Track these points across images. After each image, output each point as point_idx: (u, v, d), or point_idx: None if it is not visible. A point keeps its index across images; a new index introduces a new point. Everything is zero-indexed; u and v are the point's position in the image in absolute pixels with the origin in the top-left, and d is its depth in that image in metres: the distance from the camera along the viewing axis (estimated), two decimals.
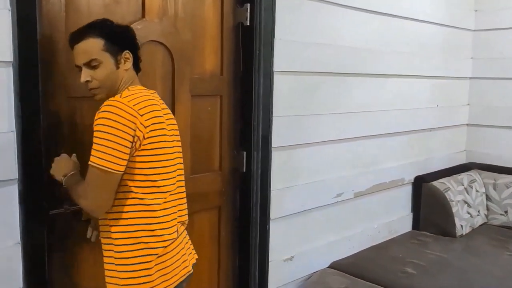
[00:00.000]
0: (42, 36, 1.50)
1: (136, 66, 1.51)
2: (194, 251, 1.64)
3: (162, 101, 1.53)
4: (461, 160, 3.67)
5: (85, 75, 1.39)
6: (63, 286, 1.67)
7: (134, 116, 1.32)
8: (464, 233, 3.06)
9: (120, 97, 1.36)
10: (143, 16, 1.81)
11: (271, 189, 2.23)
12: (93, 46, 1.38)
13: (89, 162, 1.32)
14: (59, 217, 1.63)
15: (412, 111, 3.10)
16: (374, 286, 2.31)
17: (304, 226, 2.45)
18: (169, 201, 1.46)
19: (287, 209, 2.33)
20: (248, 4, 2.10)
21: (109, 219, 1.41)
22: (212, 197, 2.14)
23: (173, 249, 1.47)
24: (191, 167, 2.03)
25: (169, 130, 1.48)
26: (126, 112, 1.31)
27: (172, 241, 1.46)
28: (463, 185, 3.23)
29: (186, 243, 1.58)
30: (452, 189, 3.13)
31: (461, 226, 3.06)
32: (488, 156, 3.59)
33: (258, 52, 2.11)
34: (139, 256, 1.39)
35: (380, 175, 2.88)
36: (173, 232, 1.47)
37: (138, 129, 1.33)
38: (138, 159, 1.36)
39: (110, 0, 1.71)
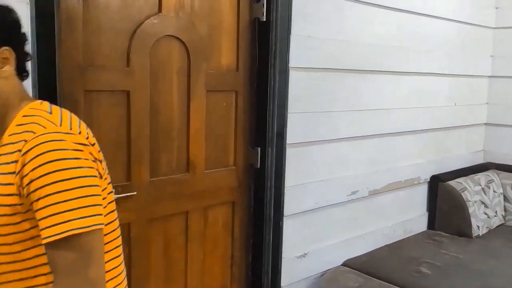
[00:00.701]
0: (60, 30, 1.51)
1: (21, 71, 0.99)
2: None
3: None
4: (479, 160, 3.61)
5: None
6: None
7: (90, 149, 0.93)
8: (480, 234, 3.01)
9: (55, 124, 0.91)
10: (160, 10, 1.81)
11: (285, 185, 2.22)
12: None
13: (59, 235, 0.82)
14: None
15: (430, 109, 3.06)
16: (388, 285, 2.29)
17: (318, 223, 2.43)
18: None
19: (301, 206, 2.32)
20: (265, 0, 2.09)
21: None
22: (226, 193, 2.14)
23: None
24: (205, 163, 2.03)
25: None
26: (80, 144, 0.90)
27: None
28: (480, 185, 3.18)
29: None
30: (469, 189, 3.08)
31: (478, 226, 3.01)
32: (506, 156, 3.52)
33: (274, 48, 2.10)
34: None
35: (395, 173, 2.85)
36: None
37: (98, 165, 0.95)
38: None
39: None
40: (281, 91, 2.16)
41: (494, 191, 3.25)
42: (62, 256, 0.84)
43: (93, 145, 0.94)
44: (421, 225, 3.15)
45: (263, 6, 2.09)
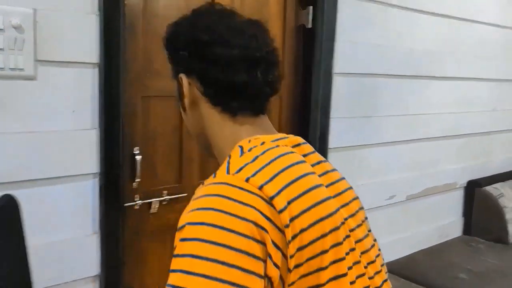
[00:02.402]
0: (124, 40, 1.58)
1: (233, 103, 0.79)
2: None
3: (315, 158, 0.81)
4: None
5: None
6: (136, 272, 1.77)
7: (265, 214, 0.65)
8: None
9: (228, 173, 0.71)
10: None
11: None
12: None
13: None
14: (131, 209, 1.73)
15: (469, 114, 3.04)
16: None
17: None
18: None
19: None
20: (311, 7, 2.12)
21: None
22: None
23: None
24: None
25: (343, 217, 0.76)
26: (246, 206, 0.64)
27: None
28: None
29: None
30: (506, 195, 3.06)
31: None
32: None
33: (319, 53, 2.14)
34: None
35: (433, 178, 2.86)
36: None
37: (269, 241, 0.64)
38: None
39: (183, 4, 1.78)
40: (325, 97, 2.19)
41: None
42: None
43: (279, 210, 0.66)
44: (457, 230, 3.14)
45: (309, 13, 2.13)
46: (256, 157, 0.70)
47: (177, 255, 0.63)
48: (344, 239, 0.72)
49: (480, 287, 2.36)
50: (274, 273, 0.63)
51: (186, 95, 0.81)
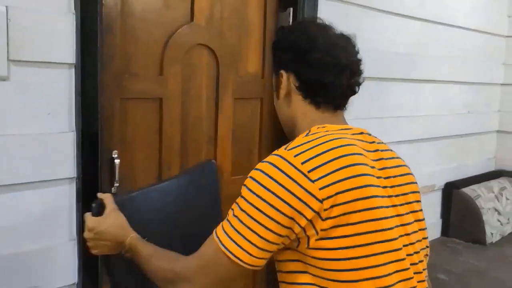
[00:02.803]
0: (101, 40, 1.54)
1: (323, 98, 0.98)
2: None
3: (375, 145, 1.00)
4: (491, 167, 3.65)
5: None
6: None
7: (300, 184, 0.82)
8: (494, 241, 3.04)
9: (286, 149, 0.88)
10: (192, 19, 1.84)
11: None
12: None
13: (214, 236, 0.89)
14: None
15: (445, 117, 3.09)
16: None
17: None
18: None
19: None
20: (291, 9, 2.12)
21: None
22: None
23: None
24: (232, 168, 2.06)
25: (389, 190, 0.92)
26: (284, 175, 0.83)
27: None
28: (493, 192, 3.21)
29: None
30: (483, 196, 3.12)
31: (491, 234, 3.04)
32: None
33: None
34: None
35: None
36: None
37: (307, 208, 0.82)
38: (317, 254, 0.84)
39: (162, 5, 1.75)
40: None
41: (507, 198, 3.28)
42: (205, 248, 0.92)
43: (313, 180, 0.84)
44: (435, 232, 3.18)
45: (289, 15, 2.13)
46: (312, 140, 0.89)
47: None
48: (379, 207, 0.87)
49: (459, 287, 2.38)
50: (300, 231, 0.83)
51: (283, 87, 1.00)
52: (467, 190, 3.11)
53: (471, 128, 3.37)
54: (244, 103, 2.10)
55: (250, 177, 0.88)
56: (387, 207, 0.89)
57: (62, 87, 1.43)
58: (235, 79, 2.02)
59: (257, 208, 0.84)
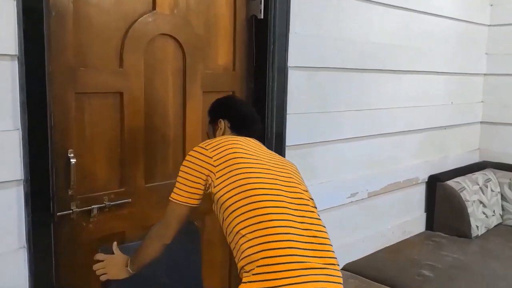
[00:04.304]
0: (49, 29, 1.41)
1: (241, 131, 1.59)
2: None
3: (255, 143, 1.52)
4: (475, 159, 3.58)
5: None
6: None
7: (202, 154, 1.40)
8: (479, 234, 2.97)
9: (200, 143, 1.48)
10: (154, 8, 1.72)
11: None
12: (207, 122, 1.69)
13: (170, 197, 1.43)
14: (66, 218, 1.55)
15: (427, 109, 3.01)
16: None
17: None
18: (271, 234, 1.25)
19: None
20: None
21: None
22: None
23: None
24: None
25: (263, 165, 1.41)
26: (196, 151, 1.41)
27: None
28: (478, 185, 3.14)
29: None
30: (468, 189, 3.04)
31: (477, 227, 2.97)
32: (502, 155, 3.50)
33: (272, 46, 2.03)
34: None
35: (394, 174, 2.80)
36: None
37: (208, 165, 1.38)
38: (218, 193, 1.36)
39: None
40: (280, 92, 2.08)
41: (492, 190, 3.21)
42: None
43: (208, 149, 1.41)
44: (420, 226, 3.10)
45: (261, 3, 2.01)
46: (214, 140, 1.47)
47: None
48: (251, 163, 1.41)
49: (444, 283, 2.31)
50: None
51: (222, 128, 1.60)
52: (451, 183, 3.03)
53: (454, 120, 3.30)
54: (214, 97, 1.97)
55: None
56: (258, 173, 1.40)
57: (4, 82, 1.30)
58: (203, 72, 1.91)
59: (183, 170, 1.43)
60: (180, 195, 1.40)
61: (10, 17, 1.29)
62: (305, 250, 1.26)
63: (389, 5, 2.58)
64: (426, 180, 3.10)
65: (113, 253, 1.53)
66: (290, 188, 1.40)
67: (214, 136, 1.59)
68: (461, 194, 2.98)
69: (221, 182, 1.35)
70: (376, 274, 2.37)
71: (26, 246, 1.40)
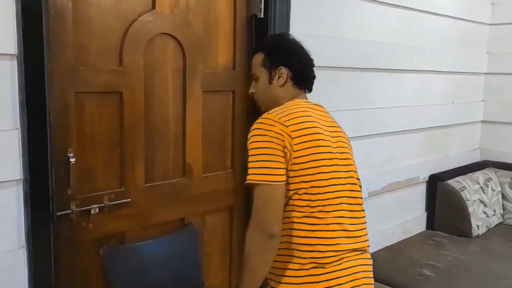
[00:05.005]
0: (48, 28, 1.41)
1: (301, 84, 1.48)
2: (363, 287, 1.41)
3: (324, 114, 1.48)
4: (475, 158, 3.58)
5: (251, 87, 1.54)
6: None
7: (280, 129, 1.29)
8: (480, 234, 2.97)
9: (268, 113, 1.36)
10: (154, 7, 1.72)
11: None
12: (256, 60, 1.50)
13: (248, 182, 1.29)
14: (65, 218, 1.55)
15: (428, 108, 3.01)
16: None
17: None
18: (328, 217, 1.32)
19: None
20: None
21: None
22: (223, 197, 2.05)
23: (332, 272, 1.32)
24: (202, 166, 1.94)
25: (334, 143, 1.39)
26: (271, 125, 1.29)
27: (333, 258, 1.32)
28: (478, 184, 3.14)
29: (355, 273, 1.37)
30: (468, 188, 3.04)
31: (477, 226, 2.97)
32: (503, 154, 3.49)
33: None
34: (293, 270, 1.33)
35: (395, 173, 2.80)
36: (332, 256, 1.33)
37: (287, 141, 1.29)
38: (290, 173, 1.29)
39: None
40: None
41: (493, 190, 3.21)
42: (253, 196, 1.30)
43: (287, 126, 1.31)
44: (420, 225, 3.10)
45: (261, 2, 2.01)
46: (284, 108, 1.38)
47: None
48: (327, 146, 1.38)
49: (444, 282, 2.30)
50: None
51: (283, 77, 1.45)
52: (452, 182, 3.03)
53: (455, 119, 3.29)
54: (214, 96, 1.98)
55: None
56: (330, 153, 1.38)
57: (3, 81, 1.30)
58: (203, 71, 1.90)
59: (261, 146, 1.31)
60: (275, 174, 1.26)
61: (9, 17, 1.29)
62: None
63: (389, 4, 2.58)
64: (427, 179, 3.09)
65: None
66: (348, 179, 1.40)
67: (270, 84, 1.46)
68: (462, 194, 2.97)
69: (297, 170, 1.28)
70: (376, 274, 2.36)
71: (25, 246, 1.39)
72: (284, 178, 1.27)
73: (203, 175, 1.95)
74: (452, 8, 3.08)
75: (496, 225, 3.14)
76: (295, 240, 1.31)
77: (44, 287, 1.44)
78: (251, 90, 1.53)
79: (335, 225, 1.33)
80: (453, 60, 3.18)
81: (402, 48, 2.72)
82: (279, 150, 1.27)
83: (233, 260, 2.13)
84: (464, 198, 2.96)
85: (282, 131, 1.29)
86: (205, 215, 1.98)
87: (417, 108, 2.91)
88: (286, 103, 1.42)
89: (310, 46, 2.15)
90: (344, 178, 1.39)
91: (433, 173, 3.10)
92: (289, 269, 1.32)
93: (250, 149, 1.29)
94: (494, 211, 3.16)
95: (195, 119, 1.90)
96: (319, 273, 1.30)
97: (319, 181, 1.32)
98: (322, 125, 1.40)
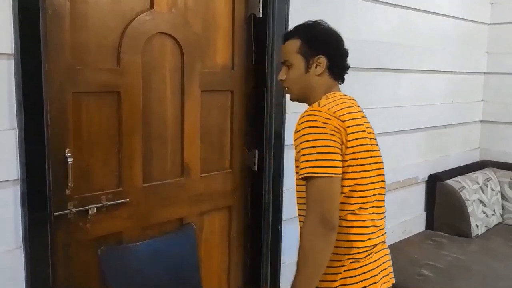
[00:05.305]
0: (46, 28, 1.40)
1: (337, 74, 1.44)
2: (390, 275, 1.48)
3: (359, 108, 1.46)
4: (475, 158, 3.57)
5: (281, 73, 1.46)
6: None
7: (337, 123, 1.28)
8: (479, 234, 2.96)
9: (319, 105, 1.32)
10: (152, 6, 1.71)
11: (284, 188, 2.13)
12: (290, 47, 1.42)
13: (304, 175, 1.26)
14: (63, 218, 1.54)
15: (427, 107, 3.00)
16: None
17: None
18: (365, 214, 1.35)
19: None
20: None
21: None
22: (222, 197, 2.05)
23: (366, 265, 1.35)
24: (201, 166, 1.94)
25: (370, 139, 1.39)
26: (327, 118, 1.27)
27: (366, 252, 1.35)
28: (478, 184, 3.13)
29: (383, 263, 1.43)
30: (468, 188, 3.03)
31: (477, 226, 2.96)
32: (502, 154, 3.49)
33: (271, 45, 2.02)
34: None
35: (394, 173, 2.79)
36: (366, 250, 1.36)
37: (343, 136, 1.28)
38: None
39: None
40: (278, 90, 2.07)
41: (492, 189, 3.20)
42: (308, 190, 1.27)
43: (344, 122, 1.29)
44: (420, 225, 3.09)
45: (259, 2, 2.01)
46: (332, 101, 1.35)
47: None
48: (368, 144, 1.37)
49: (444, 282, 2.30)
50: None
51: (322, 66, 1.40)
52: (451, 182, 3.02)
53: (454, 119, 3.28)
54: (212, 96, 1.97)
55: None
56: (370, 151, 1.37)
57: (0, 81, 1.29)
58: (202, 71, 1.90)
59: (319, 138, 1.28)
60: (334, 167, 1.24)
61: (6, 16, 1.28)
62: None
63: (389, 3, 2.57)
64: (426, 179, 3.09)
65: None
66: (380, 177, 1.42)
67: (306, 73, 1.40)
68: (461, 193, 2.97)
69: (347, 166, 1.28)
70: None
71: (22, 246, 1.39)
72: (341, 170, 1.26)
73: (201, 175, 1.94)
74: (452, 8, 3.08)
75: (495, 225, 3.14)
76: (337, 237, 1.30)
77: (42, 287, 1.43)
78: (281, 77, 1.46)
79: (369, 221, 1.36)
80: (453, 60, 3.18)
81: (402, 48, 2.72)
82: (338, 143, 1.26)
83: (231, 260, 2.12)
84: (464, 198, 2.95)
85: (339, 125, 1.28)
86: (204, 215, 1.98)
87: (416, 108, 2.90)
88: (331, 95, 1.38)
89: None
90: (377, 175, 1.40)
91: (432, 173, 3.10)
92: (329, 266, 1.31)
93: (306, 141, 1.26)
94: (494, 211, 3.15)
95: (194, 119, 1.89)
96: (356, 267, 1.34)
97: (363, 179, 1.33)
98: (362, 120, 1.41)
